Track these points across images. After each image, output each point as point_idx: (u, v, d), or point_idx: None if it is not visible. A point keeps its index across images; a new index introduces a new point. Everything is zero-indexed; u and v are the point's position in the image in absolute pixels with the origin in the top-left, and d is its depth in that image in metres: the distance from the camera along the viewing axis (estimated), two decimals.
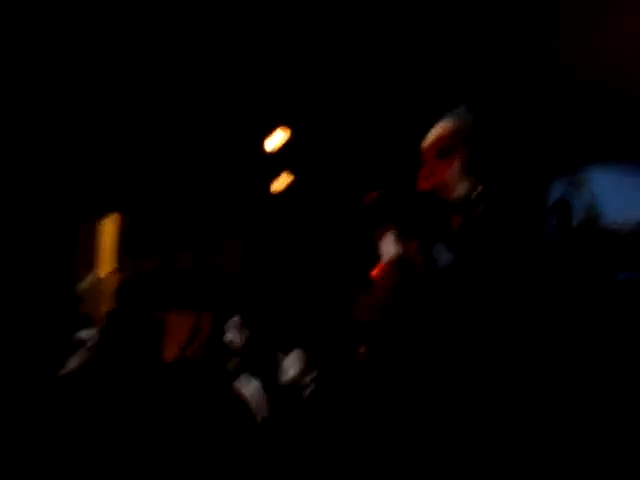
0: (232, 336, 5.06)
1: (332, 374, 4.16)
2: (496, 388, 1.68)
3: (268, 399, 3.65)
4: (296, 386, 4.25)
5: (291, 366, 4.36)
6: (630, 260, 5.31)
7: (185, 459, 4.21)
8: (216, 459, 4.21)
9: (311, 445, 3.83)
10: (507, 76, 5.29)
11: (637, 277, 5.03)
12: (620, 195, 5.57)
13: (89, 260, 7.10)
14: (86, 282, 4.95)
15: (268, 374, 4.76)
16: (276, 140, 6.38)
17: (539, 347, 1.73)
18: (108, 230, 7.41)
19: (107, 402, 4.73)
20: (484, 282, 1.68)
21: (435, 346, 1.68)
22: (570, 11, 4.53)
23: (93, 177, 6.60)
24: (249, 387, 3.00)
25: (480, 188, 1.78)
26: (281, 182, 6.73)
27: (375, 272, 1.80)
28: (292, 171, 6.74)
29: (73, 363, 2.87)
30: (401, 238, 1.79)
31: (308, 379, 4.28)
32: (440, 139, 1.82)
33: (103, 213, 7.29)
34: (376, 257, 1.81)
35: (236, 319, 4.90)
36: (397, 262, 1.77)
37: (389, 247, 1.78)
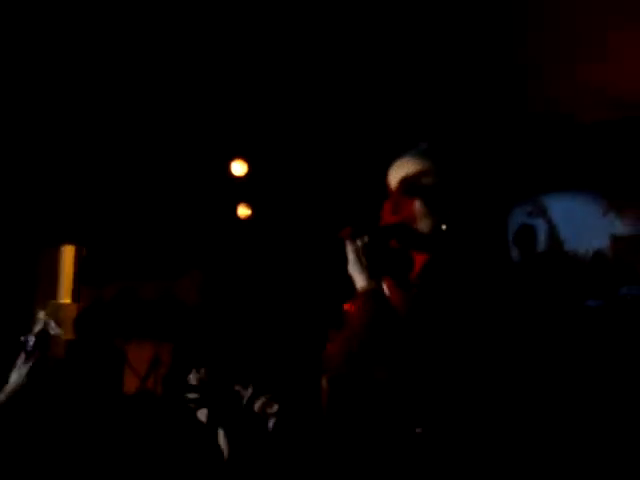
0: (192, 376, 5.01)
1: (296, 408, 4.15)
2: (468, 422, 1.70)
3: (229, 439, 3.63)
4: (260, 418, 4.20)
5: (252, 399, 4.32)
6: (594, 287, 5.41)
7: None
8: None
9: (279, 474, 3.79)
10: (462, 112, 5.38)
11: (604, 304, 5.12)
12: (577, 223, 5.66)
13: (48, 289, 7.00)
14: (45, 311, 4.87)
15: (229, 407, 4.72)
16: (237, 170, 6.37)
17: (513, 373, 1.75)
18: (66, 260, 7.32)
19: (65, 434, 4.65)
20: (456, 314, 1.71)
21: (409, 378, 1.69)
22: (522, 47, 4.63)
23: (50, 206, 6.52)
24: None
25: (444, 227, 1.83)
26: (242, 212, 6.72)
27: (349, 306, 1.82)
28: (252, 202, 6.74)
29: (16, 377, 2.79)
30: (375, 273, 1.81)
31: (271, 411, 4.23)
32: (405, 177, 1.86)
33: (61, 242, 7.20)
34: (349, 291, 1.83)
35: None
36: (371, 295, 1.79)
37: (361, 281, 1.80)
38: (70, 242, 7.22)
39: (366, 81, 5.16)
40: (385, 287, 1.83)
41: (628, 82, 4.80)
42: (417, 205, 1.82)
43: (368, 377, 1.70)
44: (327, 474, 1.80)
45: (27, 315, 6.61)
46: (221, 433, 2.93)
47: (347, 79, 5.12)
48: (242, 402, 4.34)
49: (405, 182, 1.85)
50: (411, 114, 5.33)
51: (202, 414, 3.74)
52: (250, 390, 4.35)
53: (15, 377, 2.76)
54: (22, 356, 2.79)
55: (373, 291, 1.77)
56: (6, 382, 2.76)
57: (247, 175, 6.39)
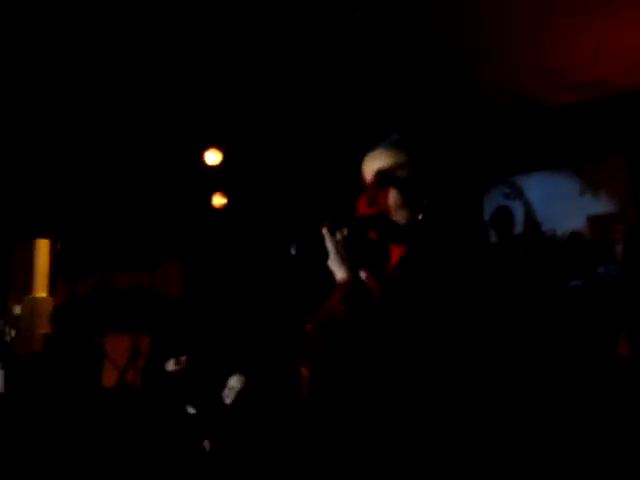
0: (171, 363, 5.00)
1: (273, 395, 4.15)
2: (449, 404, 1.69)
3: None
4: (238, 406, 4.21)
5: (234, 386, 4.33)
6: (573, 267, 5.45)
7: None
8: None
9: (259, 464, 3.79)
10: (431, 101, 5.41)
11: (586, 284, 5.15)
12: (554, 204, 5.69)
13: (23, 284, 6.95)
14: (21, 306, 4.83)
15: (210, 396, 4.72)
16: (212, 158, 6.33)
17: (498, 360, 1.75)
18: (41, 254, 7.25)
19: (45, 429, 4.61)
20: (436, 303, 1.71)
21: (390, 368, 1.70)
22: (490, 32, 4.65)
23: (23, 200, 6.45)
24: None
25: (420, 216, 1.83)
26: (217, 201, 6.68)
27: (328, 299, 1.82)
28: (227, 190, 6.71)
29: None
30: (354, 265, 1.82)
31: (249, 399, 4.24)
32: (379, 169, 1.86)
33: (35, 236, 7.13)
34: (326, 280, 1.83)
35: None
36: (350, 286, 1.79)
37: (341, 273, 1.80)
38: (44, 236, 7.16)
39: (339, 73, 5.18)
40: (364, 278, 1.83)
41: (594, 64, 4.86)
42: (392, 196, 1.82)
43: (349, 367, 1.70)
44: (310, 463, 1.79)
45: (1, 310, 6.56)
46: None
47: (321, 71, 5.14)
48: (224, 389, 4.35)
49: (380, 174, 1.85)
50: (383, 104, 5.35)
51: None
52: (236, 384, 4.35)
53: None
54: None
55: (352, 283, 1.78)
56: None
57: (221, 164, 6.35)
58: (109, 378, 6.10)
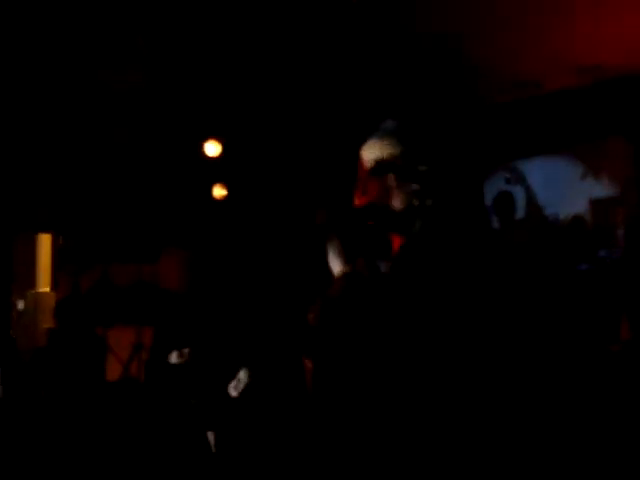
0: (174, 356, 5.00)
1: (279, 386, 4.14)
2: (446, 394, 1.69)
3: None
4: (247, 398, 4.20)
5: (243, 379, 4.33)
6: (575, 251, 5.44)
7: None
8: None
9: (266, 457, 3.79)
10: (428, 88, 5.40)
11: (593, 268, 5.14)
12: (556, 188, 5.68)
13: (25, 279, 6.95)
14: (24, 301, 4.83)
15: (213, 387, 4.72)
16: (212, 150, 6.33)
17: (500, 348, 1.75)
18: (43, 248, 7.26)
19: (49, 423, 4.62)
20: (436, 293, 1.71)
21: (385, 357, 1.69)
22: (489, 18, 4.64)
23: (24, 195, 6.45)
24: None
25: (416, 202, 1.82)
26: (218, 191, 6.68)
27: (326, 291, 1.82)
28: (227, 182, 6.70)
29: None
30: (346, 253, 1.82)
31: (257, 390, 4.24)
32: (377, 159, 1.85)
33: (37, 231, 7.13)
34: (325, 271, 1.83)
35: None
36: (345, 277, 1.79)
37: (335, 263, 1.81)
38: (46, 230, 7.15)
39: (337, 63, 5.17)
40: (362, 269, 1.84)
41: (594, 48, 4.84)
42: (389, 182, 1.82)
43: (352, 358, 1.70)
44: (314, 455, 1.79)
45: (5, 305, 6.56)
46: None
47: (319, 63, 5.13)
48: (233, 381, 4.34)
49: (377, 163, 1.85)
50: (381, 91, 5.34)
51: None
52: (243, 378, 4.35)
53: None
54: None
55: (350, 274, 1.78)
56: None
57: (221, 155, 6.34)
58: (113, 372, 6.11)
